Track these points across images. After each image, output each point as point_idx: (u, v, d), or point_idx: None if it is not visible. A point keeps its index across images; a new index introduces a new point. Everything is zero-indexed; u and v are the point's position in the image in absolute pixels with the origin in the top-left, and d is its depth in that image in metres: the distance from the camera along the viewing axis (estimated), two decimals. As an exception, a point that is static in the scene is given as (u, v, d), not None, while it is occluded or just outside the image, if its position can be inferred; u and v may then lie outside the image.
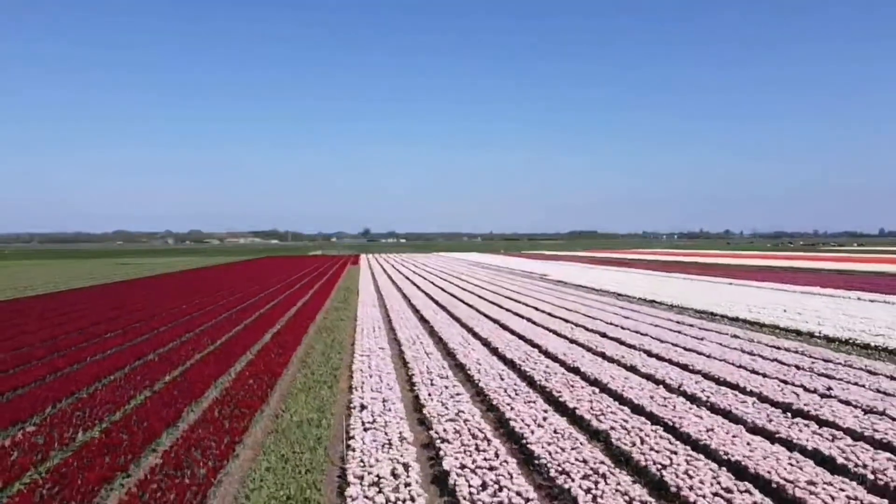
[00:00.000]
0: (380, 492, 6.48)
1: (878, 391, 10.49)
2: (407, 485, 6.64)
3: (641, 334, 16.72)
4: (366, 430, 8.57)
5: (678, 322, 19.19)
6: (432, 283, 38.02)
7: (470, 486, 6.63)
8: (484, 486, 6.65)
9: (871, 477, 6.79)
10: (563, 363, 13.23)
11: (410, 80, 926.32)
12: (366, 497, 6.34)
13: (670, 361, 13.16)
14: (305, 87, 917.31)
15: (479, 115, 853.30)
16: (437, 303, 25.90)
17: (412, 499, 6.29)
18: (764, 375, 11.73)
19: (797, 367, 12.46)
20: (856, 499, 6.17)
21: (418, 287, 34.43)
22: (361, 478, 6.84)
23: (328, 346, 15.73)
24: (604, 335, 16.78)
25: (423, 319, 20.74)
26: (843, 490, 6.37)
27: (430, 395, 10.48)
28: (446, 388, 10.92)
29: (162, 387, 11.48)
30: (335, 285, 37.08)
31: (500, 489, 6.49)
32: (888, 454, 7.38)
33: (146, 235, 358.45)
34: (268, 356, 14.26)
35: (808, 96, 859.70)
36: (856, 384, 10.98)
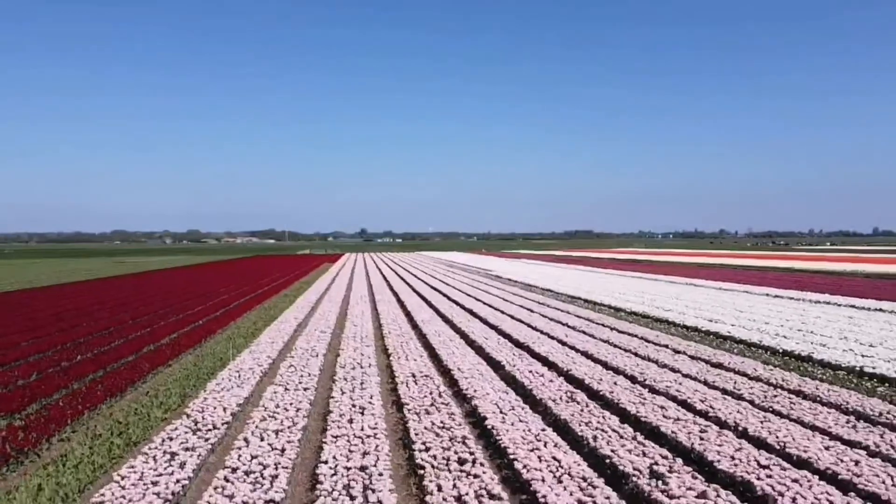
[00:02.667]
0: (239, 376, 12.14)
1: (595, 338, 16.18)
2: (254, 373, 12.32)
3: (495, 309, 22.47)
4: (250, 353, 14.28)
5: (540, 303, 24.88)
6: (384, 276, 43.70)
7: (286, 374, 12.29)
8: (302, 380, 12.30)
9: (509, 369, 12.48)
10: (414, 325, 18.98)
11: (409, 80, 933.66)
12: (229, 377, 12.00)
13: (488, 324, 18.90)
14: (305, 88, 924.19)
15: (477, 115, 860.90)
16: (371, 290, 31.62)
17: (254, 375, 11.99)
18: (536, 329, 17.45)
19: (567, 325, 18.21)
20: (487, 376, 11.86)
21: (369, 279, 40.15)
22: (231, 369, 12.53)
23: (260, 318, 21.43)
24: (469, 310, 22.50)
25: (346, 301, 26.45)
26: (482, 374, 12.05)
27: (305, 339, 16.17)
28: (321, 337, 16.60)
29: (134, 337, 17.16)
30: (300, 279, 42.81)
31: (306, 376, 12.18)
32: (538, 363, 13.09)
33: (144, 235, 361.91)
34: (213, 322, 19.97)
35: (807, 96, 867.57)
36: (589, 334, 16.66)
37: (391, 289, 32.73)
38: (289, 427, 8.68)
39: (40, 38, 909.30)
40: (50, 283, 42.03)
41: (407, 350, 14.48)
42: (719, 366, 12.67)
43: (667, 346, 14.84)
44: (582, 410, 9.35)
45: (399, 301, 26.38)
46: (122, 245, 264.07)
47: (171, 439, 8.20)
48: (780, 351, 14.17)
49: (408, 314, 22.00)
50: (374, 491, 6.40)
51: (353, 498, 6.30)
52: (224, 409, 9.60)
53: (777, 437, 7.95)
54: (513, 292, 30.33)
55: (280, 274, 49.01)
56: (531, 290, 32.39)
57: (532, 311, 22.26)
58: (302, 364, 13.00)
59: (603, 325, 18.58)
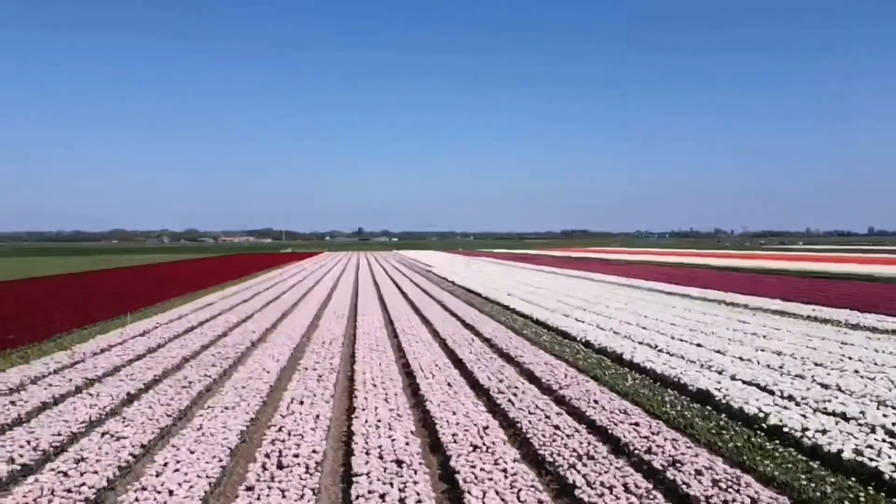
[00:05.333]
0: (122, 333, 17.31)
1: (418, 313, 21.35)
2: (136, 331, 17.51)
3: (379, 292, 27.68)
4: (147, 320, 19.50)
5: (423, 290, 30.08)
6: (328, 270, 48.94)
7: (157, 331, 17.47)
8: (164, 334, 17.49)
9: (325, 322, 17.70)
10: (294, 304, 24.20)
11: (409, 80, 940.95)
12: (116, 334, 17.17)
13: (355, 302, 24.08)
14: (305, 88, 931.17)
15: (477, 115, 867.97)
16: (300, 282, 36.86)
17: (135, 332, 17.21)
18: (383, 305, 22.65)
19: (412, 303, 23.37)
20: (299, 323, 17.06)
21: (310, 272, 45.39)
22: (122, 329, 17.74)
23: (182, 301, 26.64)
24: (355, 292, 27.71)
25: (272, 288, 31.68)
26: (294, 327, 17.24)
27: (196, 315, 21.34)
28: (211, 311, 21.78)
29: (73, 312, 22.38)
30: (251, 272, 48.09)
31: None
32: (348, 322, 18.30)
33: (143, 234, 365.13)
34: (138, 302, 25.20)
35: (805, 95, 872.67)
36: (416, 310, 21.83)
37: (318, 280, 37.97)
38: (129, 352, 13.89)
39: (39, 37, 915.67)
40: (32, 277, 47.28)
41: (264, 318, 19.71)
42: (470, 328, 17.86)
43: (458, 317, 20.03)
44: (316, 348, 14.55)
45: (311, 288, 31.63)
46: (119, 244, 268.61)
47: (51, 359, 13.39)
48: (534, 319, 19.35)
49: (304, 296, 27.25)
50: (132, 379, 11.61)
51: (126, 383, 11.49)
52: (98, 347, 14.81)
53: (414, 356, 13.16)
54: (417, 283, 35.55)
55: (243, 269, 54.24)
56: (441, 282, 37.58)
57: (406, 294, 27.52)
58: (176, 326, 18.24)
59: (442, 303, 23.75)
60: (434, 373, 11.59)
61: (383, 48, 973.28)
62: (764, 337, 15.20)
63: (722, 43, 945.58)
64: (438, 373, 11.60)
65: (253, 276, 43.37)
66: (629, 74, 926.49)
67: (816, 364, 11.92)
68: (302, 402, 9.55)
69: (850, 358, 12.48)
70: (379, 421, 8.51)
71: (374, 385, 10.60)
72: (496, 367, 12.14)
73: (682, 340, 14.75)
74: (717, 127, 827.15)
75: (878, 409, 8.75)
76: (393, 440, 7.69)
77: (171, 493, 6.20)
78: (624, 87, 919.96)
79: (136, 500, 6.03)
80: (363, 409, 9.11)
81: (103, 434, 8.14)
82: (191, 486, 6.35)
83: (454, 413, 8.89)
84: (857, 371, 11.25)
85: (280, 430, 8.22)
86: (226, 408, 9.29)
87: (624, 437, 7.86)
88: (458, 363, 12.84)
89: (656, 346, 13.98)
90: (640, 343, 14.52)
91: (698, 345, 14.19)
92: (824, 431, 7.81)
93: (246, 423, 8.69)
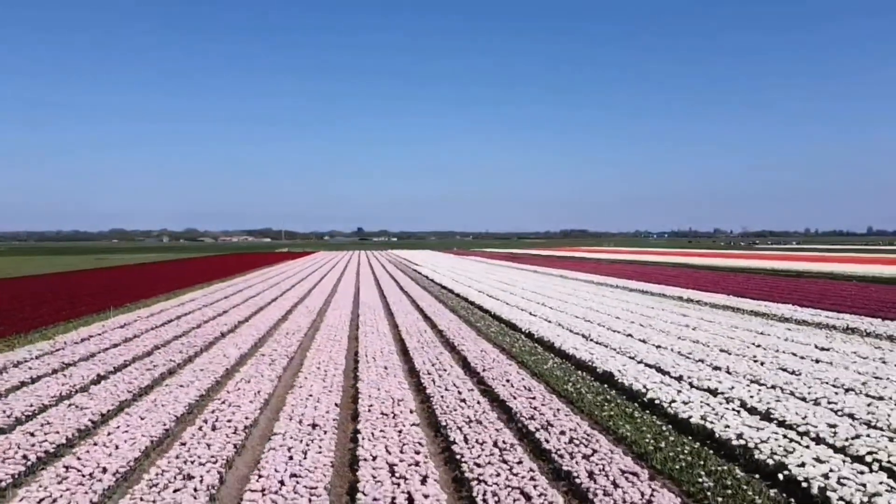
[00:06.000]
0: (104, 325, 18.58)
1: (385, 301, 22.65)
2: (117, 324, 18.77)
3: (356, 285, 28.96)
4: (129, 314, 20.75)
5: (398, 284, 31.37)
6: (322, 270, 50.21)
7: (137, 323, 18.75)
8: (145, 324, 18.76)
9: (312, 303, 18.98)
10: (273, 299, 25.48)
11: (409, 81, 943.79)
12: (98, 326, 18.44)
13: (322, 292, 25.38)
14: (305, 89, 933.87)
15: (477, 115, 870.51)
16: (287, 279, 38.14)
17: (116, 325, 18.47)
18: (357, 296, 23.93)
19: (382, 293, 24.66)
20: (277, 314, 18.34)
21: (299, 270, 46.67)
22: (104, 322, 18.99)
23: (168, 296, 27.91)
24: (334, 289, 29.01)
25: (250, 286, 32.95)
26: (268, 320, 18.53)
27: (181, 308, 22.61)
28: (193, 307, 23.05)
29: (60, 307, 23.64)
30: (242, 270, 49.36)
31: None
32: (316, 315, 19.58)
33: (143, 234, 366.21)
34: (125, 299, 26.46)
35: (804, 94, 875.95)
36: (384, 298, 23.12)
37: (304, 278, 39.27)
38: (106, 342, 15.15)
39: (39, 37, 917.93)
40: (25, 275, 48.57)
41: (239, 312, 20.98)
42: (429, 320, 19.11)
43: (422, 310, 21.29)
44: (279, 338, 15.81)
45: (296, 285, 32.90)
46: (118, 244, 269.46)
47: (34, 347, 14.65)
48: (491, 313, 20.63)
49: (285, 292, 28.53)
50: (103, 363, 12.87)
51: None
52: (79, 337, 16.07)
53: (365, 345, 14.42)
54: (398, 280, 36.80)
55: (236, 267, 55.53)
56: (421, 280, 38.85)
57: (382, 290, 28.79)
58: (155, 319, 19.49)
59: (413, 299, 25.02)
60: (376, 358, 12.87)
61: (384, 49, 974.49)
62: (694, 328, 16.49)
63: (722, 44, 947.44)
64: (381, 358, 12.88)
65: (241, 275, 44.66)
66: (630, 75, 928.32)
67: (722, 351, 13.22)
68: (249, 381, 10.82)
69: (757, 346, 13.77)
70: (310, 395, 9.78)
71: (318, 368, 11.87)
72: (435, 353, 13.41)
73: (614, 331, 16.05)
74: (717, 127, 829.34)
75: (747, 386, 10.03)
76: (316, 409, 8.97)
77: (116, 447, 7.47)
78: (625, 89, 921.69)
79: (87, 451, 7.30)
80: (301, 387, 10.38)
81: (70, 405, 9.40)
82: (134, 443, 7.63)
83: (378, 389, 10.16)
84: (754, 356, 12.54)
85: (223, 402, 9.48)
86: (181, 386, 10.56)
87: (516, 407, 9.13)
88: (403, 351, 14.12)
89: (588, 336, 15.27)
90: (575, 333, 15.82)
91: (628, 335, 15.48)
92: (687, 402, 9.09)
93: (196, 397, 9.96)
